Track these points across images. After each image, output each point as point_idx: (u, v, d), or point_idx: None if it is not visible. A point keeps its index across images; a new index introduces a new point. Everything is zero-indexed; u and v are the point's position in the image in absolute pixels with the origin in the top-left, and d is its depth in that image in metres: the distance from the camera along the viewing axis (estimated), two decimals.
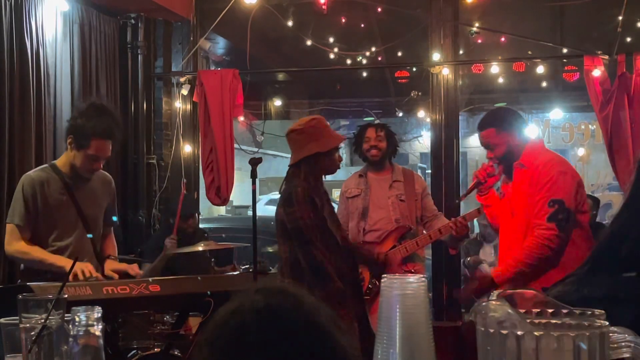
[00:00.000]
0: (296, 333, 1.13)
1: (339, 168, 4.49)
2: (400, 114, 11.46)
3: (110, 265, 4.24)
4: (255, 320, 1.13)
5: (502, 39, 7.42)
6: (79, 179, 4.24)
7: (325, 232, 4.18)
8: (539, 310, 1.29)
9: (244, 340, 1.12)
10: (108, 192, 4.46)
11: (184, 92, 6.94)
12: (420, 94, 9.10)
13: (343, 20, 7.94)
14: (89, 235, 4.29)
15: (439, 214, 5.64)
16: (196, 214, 6.46)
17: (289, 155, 4.39)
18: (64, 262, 3.98)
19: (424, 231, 5.57)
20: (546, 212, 4.01)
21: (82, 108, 4.26)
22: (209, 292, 3.80)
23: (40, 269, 4.06)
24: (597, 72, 5.84)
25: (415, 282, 1.40)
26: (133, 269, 4.20)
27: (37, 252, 4.09)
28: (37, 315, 1.76)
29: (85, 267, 3.94)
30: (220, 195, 6.56)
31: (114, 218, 4.56)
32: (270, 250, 9.97)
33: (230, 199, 6.92)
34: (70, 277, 3.84)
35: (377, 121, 10.31)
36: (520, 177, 4.17)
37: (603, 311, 1.22)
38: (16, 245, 4.11)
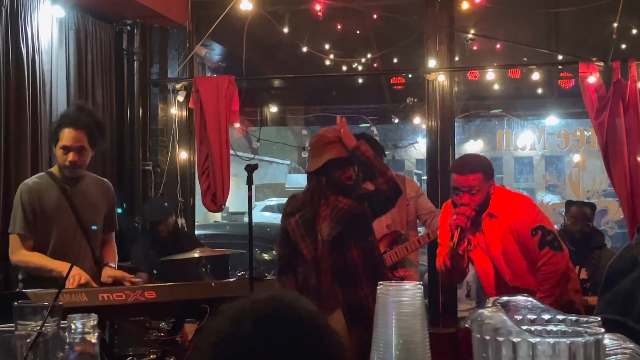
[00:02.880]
0: (292, 338, 1.17)
1: (345, 184, 4.27)
2: (396, 121, 11.48)
3: (108, 272, 4.24)
4: (254, 332, 1.16)
5: (498, 46, 7.43)
6: (75, 184, 4.24)
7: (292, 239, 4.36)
8: (534, 317, 1.29)
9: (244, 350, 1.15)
10: (106, 198, 4.46)
11: (180, 98, 6.95)
12: (416, 100, 9.11)
13: (339, 27, 7.95)
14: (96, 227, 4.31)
15: (437, 211, 5.64)
16: (168, 218, 6.29)
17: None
18: (64, 267, 3.99)
19: (425, 230, 5.62)
20: (534, 242, 4.04)
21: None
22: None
23: (42, 276, 4.07)
24: (592, 79, 5.85)
25: (411, 289, 1.40)
26: (129, 278, 4.18)
27: (38, 259, 4.12)
28: (32, 322, 1.76)
29: (77, 274, 3.94)
30: (216, 201, 6.55)
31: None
32: (267, 258, 9.99)
33: (226, 205, 6.91)
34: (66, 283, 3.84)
35: (373, 128, 10.36)
36: (492, 227, 4.13)
37: (599, 318, 1.22)
38: (18, 254, 4.15)
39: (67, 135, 4.11)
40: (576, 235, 5.96)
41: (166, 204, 6.35)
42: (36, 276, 4.11)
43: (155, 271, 5.90)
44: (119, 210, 6.42)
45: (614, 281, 2.06)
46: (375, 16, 7.61)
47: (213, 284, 4.18)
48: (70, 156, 4.14)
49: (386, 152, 5.91)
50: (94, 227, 4.38)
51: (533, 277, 4.08)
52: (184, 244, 5.87)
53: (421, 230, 5.85)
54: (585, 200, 7.16)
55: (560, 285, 4.08)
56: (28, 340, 1.73)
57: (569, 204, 6.35)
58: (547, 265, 4.02)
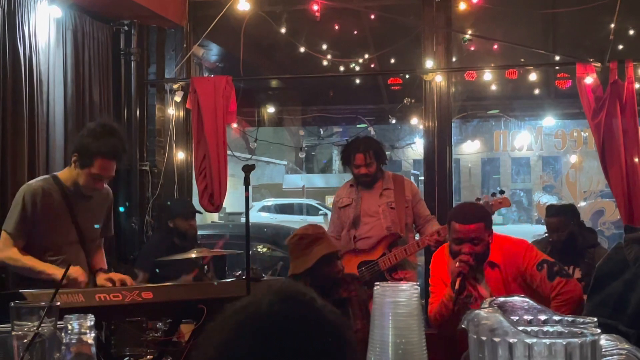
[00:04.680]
0: (310, 332, 1.17)
1: (334, 279, 4.11)
2: (393, 121, 11.47)
3: (103, 276, 4.21)
4: (271, 325, 1.17)
5: (495, 47, 7.44)
6: (80, 194, 4.23)
7: None
8: (531, 317, 1.29)
9: (262, 345, 1.15)
10: (106, 204, 4.46)
11: (177, 98, 6.94)
12: (413, 101, 9.10)
13: (336, 28, 7.95)
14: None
15: (431, 219, 5.67)
16: (194, 218, 6.42)
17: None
18: (53, 270, 3.98)
19: (417, 236, 5.62)
20: (543, 277, 4.03)
21: (91, 127, 4.26)
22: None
23: (29, 277, 4.05)
24: (589, 80, 5.86)
25: (407, 290, 1.40)
26: (123, 280, 4.16)
27: (27, 260, 4.08)
28: (29, 323, 1.76)
29: (75, 271, 3.94)
30: (213, 202, 6.55)
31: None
32: (260, 250, 9.99)
33: (223, 205, 6.91)
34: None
35: (370, 129, 10.38)
36: (495, 276, 4.11)
37: (595, 319, 1.22)
38: (7, 252, 4.11)
39: (101, 165, 4.10)
40: (557, 246, 5.91)
41: (191, 203, 6.51)
42: (25, 275, 4.10)
43: (157, 270, 5.91)
44: (122, 209, 6.46)
45: (603, 283, 2.05)
46: (372, 17, 7.61)
47: (216, 283, 4.17)
48: (100, 184, 4.20)
49: (388, 155, 5.94)
50: (96, 226, 4.39)
51: None
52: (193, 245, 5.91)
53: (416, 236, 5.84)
54: (566, 203, 7.06)
55: (578, 313, 4.04)
56: (25, 340, 1.73)
57: (548, 210, 6.22)
58: (563, 293, 3.99)
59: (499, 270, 4.10)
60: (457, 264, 3.99)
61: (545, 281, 4.02)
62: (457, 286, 3.98)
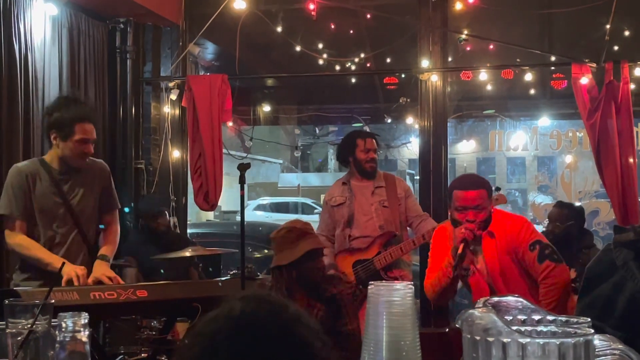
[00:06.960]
0: (269, 341, 1.15)
1: (318, 275, 4.07)
2: (389, 121, 11.48)
3: (95, 271, 4.08)
4: (228, 328, 1.15)
5: (491, 47, 7.44)
6: (68, 173, 4.20)
7: None
8: (525, 317, 1.29)
9: (216, 347, 1.14)
10: (99, 179, 4.37)
11: (173, 97, 6.94)
12: (409, 100, 9.11)
13: (332, 27, 7.95)
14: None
15: (424, 216, 5.64)
16: (165, 212, 6.39)
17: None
18: (59, 263, 3.91)
19: (412, 233, 5.62)
20: (533, 257, 4.03)
21: (55, 102, 4.33)
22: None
23: (36, 266, 4.03)
24: (584, 80, 5.87)
25: (402, 289, 1.40)
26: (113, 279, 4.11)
27: (36, 250, 4.05)
28: (23, 321, 1.76)
29: (80, 271, 3.91)
30: (208, 200, 6.55)
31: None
32: (258, 256, 10.00)
33: (219, 204, 6.91)
34: (64, 282, 3.81)
35: (366, 127, 10.39)
36: (490, 246, 4.13)
37: (589, 319, 1.22)
38: (15, 238, 4.08)
39: (83, 129, 4.10)
40: (549, 236, 5.95)
41: (158, 200, 6.45)
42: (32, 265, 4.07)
43: (162, 270, 5.90)
44: (126, 210, 6.43)
45: (592, 285, 2.05)
46: (368, 16, 7.62)
47: (220, 284, 4.16)
48: (88, 148, 4.15)
49: (379, 152, 5.95)
50: (101, 227, 4.36)
51: (534, 298, 4.04)
52: (176, 243, 5.89)
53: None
54: (576, 203, 7.16)
55: (564, 299, 4.05)
56: (19, 338, 1.73)
57: (557, 204, 6.39)
58: (550, 277, 3.99)
59: (495, 242, 4.12)
60: (463, 229, 3.99)
61: (534, 263, 4.03)
62: (459, 251, 3.96)
